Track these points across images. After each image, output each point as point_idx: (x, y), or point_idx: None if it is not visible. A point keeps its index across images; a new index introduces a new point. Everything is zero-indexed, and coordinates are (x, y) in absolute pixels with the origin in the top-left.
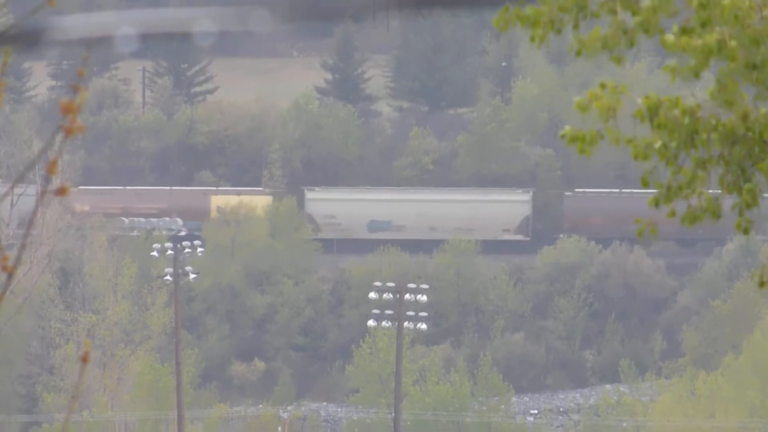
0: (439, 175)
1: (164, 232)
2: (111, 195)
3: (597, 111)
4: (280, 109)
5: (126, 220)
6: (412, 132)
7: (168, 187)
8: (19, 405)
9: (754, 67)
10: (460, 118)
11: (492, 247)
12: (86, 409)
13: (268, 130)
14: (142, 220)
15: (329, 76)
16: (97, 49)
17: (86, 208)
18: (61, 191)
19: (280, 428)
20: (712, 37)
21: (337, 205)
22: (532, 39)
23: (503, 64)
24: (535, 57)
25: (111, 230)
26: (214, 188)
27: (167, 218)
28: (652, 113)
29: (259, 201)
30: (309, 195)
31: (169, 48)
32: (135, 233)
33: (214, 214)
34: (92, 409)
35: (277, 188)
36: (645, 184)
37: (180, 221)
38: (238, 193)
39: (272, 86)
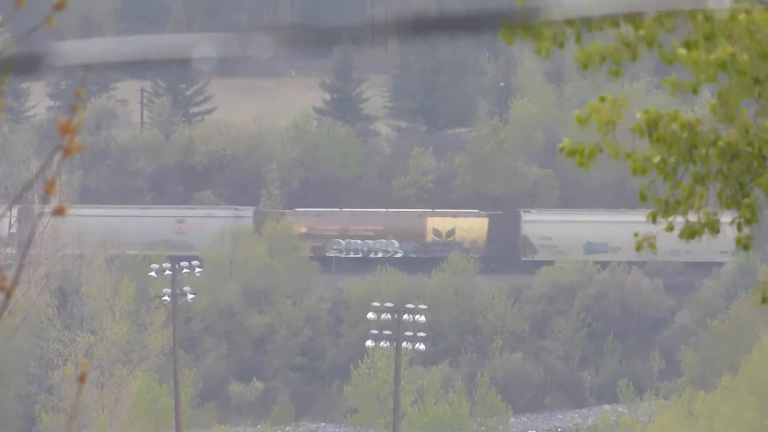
0: (438, 194)
1: (380, 254)
2: (328, 216)
3: (596, 124)
4: (279, 129)
5: (342, 242)
6: (410, 152)
7: (384, 210)
8: (17, 425)
9: (757, 81)
10: (458, 137)
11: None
12: (84, 429)
13: (266, 150)
14: (359, 242)
15: (328, 96)
16: (97, 74)
17: (303, 230)
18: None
19: None
20: (725, 51)
21: (553, 227)
22: (538, 52)
23: (501, 84)
24: (533, 77)
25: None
26: (431, 210)
27: (383, 240)
28: (651, 128)
29: (474, 223)
30: (525, 217)
31: (168, 68)
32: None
33: (430, 236)
34: (91, 429)
35: (493, 211)
36: (643, 199)
37: (396, 243)
38: (454, 216)
39: (270, 106)
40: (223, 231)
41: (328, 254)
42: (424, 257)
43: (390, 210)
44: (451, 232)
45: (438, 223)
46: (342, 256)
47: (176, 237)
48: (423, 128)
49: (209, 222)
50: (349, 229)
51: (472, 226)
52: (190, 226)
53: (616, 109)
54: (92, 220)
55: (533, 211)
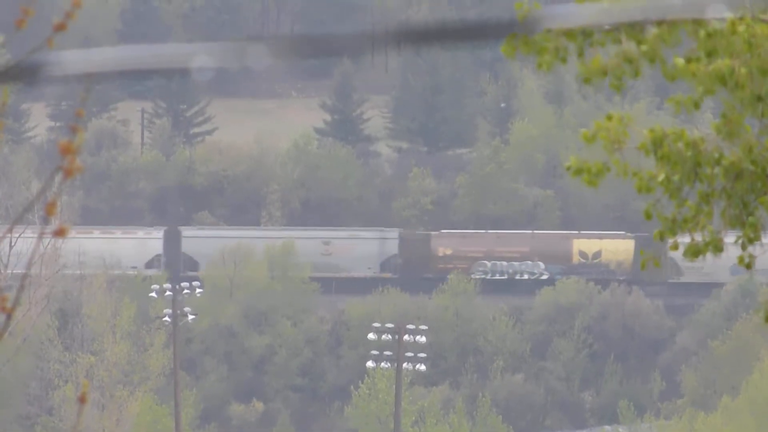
0: (438, 216)
1: (526, 276)
2: (473, 238)
3: (603, 142)
4: (279, 150)
5: (488, 264)
6: (411, 173)
7: (530, 231)
8: None
9: (759, 99)
10: (458, 158)
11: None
12: None
13: (267, 171)
14: (504, 263)
15: (328, 117)
16: (96, 85)
17: (449, 251)
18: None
19: None
20: (724, 63)
21: None
22: (539, 65)
23: (502, 104)
24: (533, 98)
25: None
26: (576, 232)
27: (529, 262)
28: (657, 146)
29: (620, 245)
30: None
31: (168, 89)
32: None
33: (576, 258)
34: None
35: (639, 232)
36: (648, 217)
37: (542, 265)
38: (600, 237)
39: (271, 127)
40: (370, 253)
41: (473, 276)
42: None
43: (536, 231)
44: (598, 254)
45: (584, 245)
46: (487, 277)
47: (323, 259)
48: (423, 149)
49: (356, 244)
50: (495, 250)
51: (618, 247)
52: (336, 249)
53: (622, 127)
54: (233, 241)
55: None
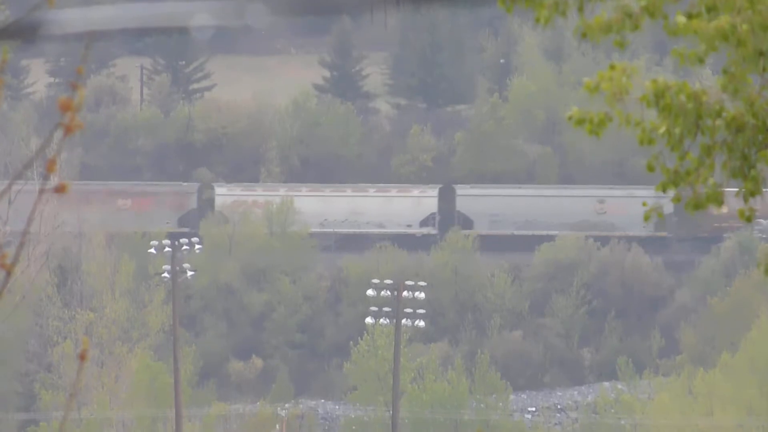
0: (438, 172)
1: None
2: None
3: (606, 93)
4: (278, 107)
5: (765, 222)
6: (410, 129)
7: None
8: (16, 403)
9: (761, 54)
10: (458, 115)
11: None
12: (84, 407)
13: (266, 128)
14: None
15: (327, 74)
16: (96, 44)
17: (725, 210)
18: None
19: (278, 426)
20: (725, 20)
21: None
22: (538, 20)
23: (501, 60)
24: (533, 54)
25: None
26: None
27: None
28: (658, 97)
29: None
30: None
31: (167, 45)
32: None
33: None
34: (90, 407)
35: None
36: (651, 169)
37: None
38: None
39: (270, 84)
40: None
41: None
42: None
43: None
44: None
45: None
46: (764, 236)
47: (597, 217)
48: (422, 105)
49: (631, 202)
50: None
51: None
52: (611, 207)
53: (626, 77)
54: (505, 200)
55: None
